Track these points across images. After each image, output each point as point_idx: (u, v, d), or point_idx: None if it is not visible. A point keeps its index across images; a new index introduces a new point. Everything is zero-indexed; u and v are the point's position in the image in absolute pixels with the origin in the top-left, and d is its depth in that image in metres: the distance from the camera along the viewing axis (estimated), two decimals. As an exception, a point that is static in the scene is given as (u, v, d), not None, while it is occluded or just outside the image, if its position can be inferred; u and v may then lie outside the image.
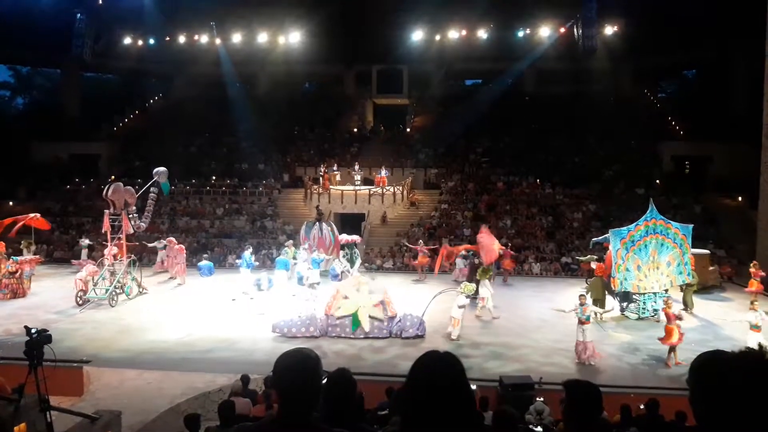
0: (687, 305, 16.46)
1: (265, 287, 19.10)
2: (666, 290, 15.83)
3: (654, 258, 15.44)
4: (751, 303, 13.38)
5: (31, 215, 20.84)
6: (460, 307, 13.66)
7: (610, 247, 15.58)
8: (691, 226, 16.46)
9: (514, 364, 12.29)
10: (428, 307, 14.23)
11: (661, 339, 12.43)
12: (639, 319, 15.59)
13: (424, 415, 1.94)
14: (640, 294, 15.62)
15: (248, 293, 18.19)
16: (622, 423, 7.73)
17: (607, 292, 15.95)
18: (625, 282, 15.28)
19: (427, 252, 21.88)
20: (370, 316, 13.87)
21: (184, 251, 21.09)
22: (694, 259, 17.30)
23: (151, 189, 19.40)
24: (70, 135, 34.93)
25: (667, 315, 12.63)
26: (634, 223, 15.70)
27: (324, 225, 22.46)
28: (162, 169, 19.43)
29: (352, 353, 12.97)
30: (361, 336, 13.75)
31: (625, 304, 15.74)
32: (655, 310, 15.53)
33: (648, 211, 15.65)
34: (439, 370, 2.00)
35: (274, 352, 2.34)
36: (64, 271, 21.42)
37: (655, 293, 15.60)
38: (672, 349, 12.18)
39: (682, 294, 16.84)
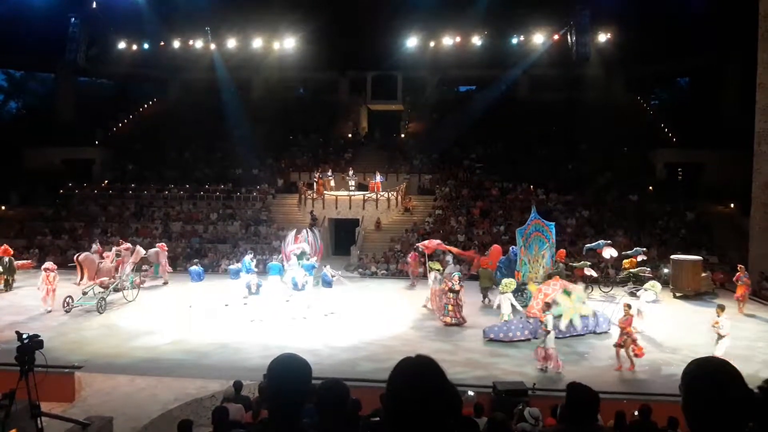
0: None
1: (254, 291, 19.02)
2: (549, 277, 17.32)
3: (536, 252, 17.38)
4: (719, 307, 12.62)
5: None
6: (647, 302, 15.22)
7: (516, 243, 17.54)
8: (553, 223, 18.64)
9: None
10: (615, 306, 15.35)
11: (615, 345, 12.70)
12: (525, 306, 16.17)
13: (404, 422, 1.86)
14: (527, 285, 17.06)
15: (246, 298, 18.21)
16: (617, 429, 7.75)
17: (492, 283, 18.10)
18: (525, 275, 17.08)
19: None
20: (581, 316, 14.85)
21: (130, 251, 20.03)
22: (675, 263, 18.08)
23: None
24: (64, 140, 34.77)
25: (627, 320, 12.69)
26: (527, 223, 17.68)
27: (315, 231, 22.48)
28: None
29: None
30: (568, 335, 14.44)
31: (516, 294, 16.36)
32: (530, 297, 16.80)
33: (532, 212, 17.83)
34: (416, 376, 1.91)
35: (266, 358, 2.35)
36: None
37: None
38: (619, 352, 12.42)
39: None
